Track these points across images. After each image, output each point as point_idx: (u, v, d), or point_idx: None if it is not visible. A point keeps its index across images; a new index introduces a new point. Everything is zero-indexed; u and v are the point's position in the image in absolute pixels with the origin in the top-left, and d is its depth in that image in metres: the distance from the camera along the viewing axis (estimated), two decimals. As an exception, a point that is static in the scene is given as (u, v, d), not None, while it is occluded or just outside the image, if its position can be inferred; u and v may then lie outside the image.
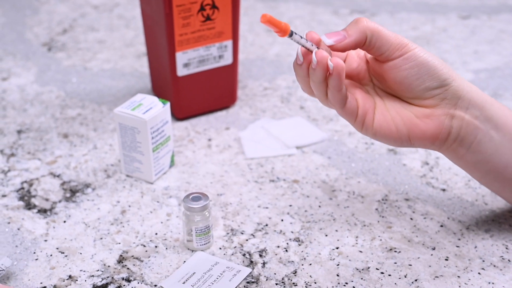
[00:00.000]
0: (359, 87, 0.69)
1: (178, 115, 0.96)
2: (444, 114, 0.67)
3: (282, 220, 0.78)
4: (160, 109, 0.82)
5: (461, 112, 0.68)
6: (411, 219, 0.78)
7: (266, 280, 0.70)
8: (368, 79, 0.70)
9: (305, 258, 0.72)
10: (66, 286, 0.69)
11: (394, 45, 0.66)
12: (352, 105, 0.66)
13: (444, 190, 0.82)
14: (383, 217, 0.78)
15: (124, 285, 0.69)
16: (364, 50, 0.67)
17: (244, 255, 0.73)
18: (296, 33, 0.63)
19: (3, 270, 0.69)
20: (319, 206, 0.80)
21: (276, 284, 0.69)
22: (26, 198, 0.82)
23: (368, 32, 0.65)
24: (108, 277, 0.70)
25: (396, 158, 0.88)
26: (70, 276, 0.70)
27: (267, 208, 0.80)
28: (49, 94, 1.04)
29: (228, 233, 0.76)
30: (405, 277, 0.69)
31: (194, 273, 0.70)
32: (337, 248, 0.74)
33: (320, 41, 0.65)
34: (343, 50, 0.65)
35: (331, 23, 1.27)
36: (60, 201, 0.81)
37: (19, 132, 0.95)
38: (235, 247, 0.74)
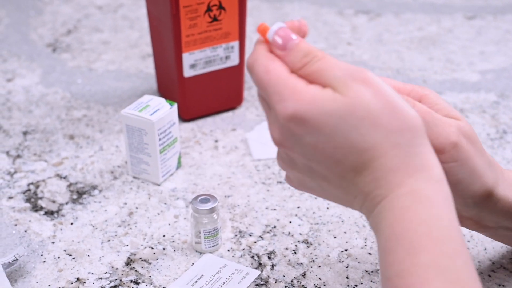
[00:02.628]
0: None
1: (185, 116, 0.96)
2: None
3: (290, 222, 0.77)
4: (167, 110, 0.81)
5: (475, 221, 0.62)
6: (420, 221, 0.77)
7: (275, 282, 0.69)
8: None
9: (314, 260, 0.72)
10: (74, 289, 0.69)
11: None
12: None
13: (452, 191, 0.82)
14: (391, 219, 0.77)
15: (132, 287, 0.69)
16: None
17: (252, 257, 0.73)
18: None
19: (17, 260, 0.69)
20: (327, 208, 0.80)
21: (285, 286, 0.69)
22: (32, 200, 0.82)
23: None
24: (116, 279, 0.70)
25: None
26: (78, 279, 0.70)
27: (275, 210, 0.79)
28: (54, 95, 1.04)
29: (236, 235, 0.76)
30: (415, 279, 0.69)
31: (202, 275, 0.70)
32: (346, 250, 0.73)
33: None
34: None
35: (336, 24, 1.26)
36: (67, 203, 0.81)
37: (24, 133, 0.95)
38: (244, 249, 0.74)
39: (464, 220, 0.62)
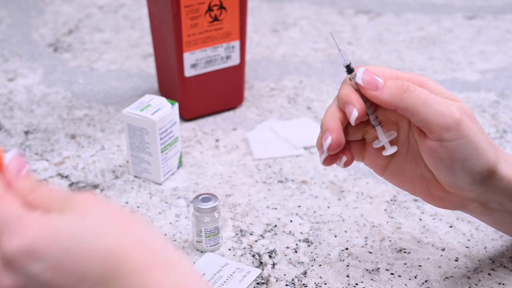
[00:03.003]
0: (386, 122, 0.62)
1: (186, 115, 0.96)
2: (460, 202, 0.63)
3: (291, 221, 0.78)
4: (168, 110, 0.82)
5: (479, 202, 0.63)
6: (420, 219, 0.77)
7: (276, 281, 0.70)
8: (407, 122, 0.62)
9: (314, 259, 0.72)
10: None
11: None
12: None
13: (452, 190, 0.82)
14: (392, 217, 0.78)
15: (134, 286, 0.69)
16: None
17: (253, 256, 0.73)
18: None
19: None
20: (328, 207, 0.80)
21: (286, 285, 0.69)
22: (34, 199, 0.82)
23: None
24: (117, 278, 0.70)
25: (404, 158, 0.88)
26: (79, 277, 0.70)
27: (275, 209, 0.80)
28: (56, 95, 1.04)
29: (237, 234, 0.76)
30: (415, 278, 0.69)
31: (203, 274, 0.70)
32: (347, 249, 0.74)
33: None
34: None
35: (337, 23, 1.27)
36: (68, 202, 0.81)
37: (26, 133, 0.95)
38: (245, 248, 0.74)
39: (471, 203, 0.62)
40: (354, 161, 0.64)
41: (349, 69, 0.60)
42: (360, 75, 0.58)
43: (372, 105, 0.60)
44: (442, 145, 0.57)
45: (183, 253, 0.45)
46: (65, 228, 0.45)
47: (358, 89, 0.59)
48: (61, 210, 0.47)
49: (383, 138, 0.61)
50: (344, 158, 0.62)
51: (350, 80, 0.60)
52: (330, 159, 0.62)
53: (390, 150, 0.61)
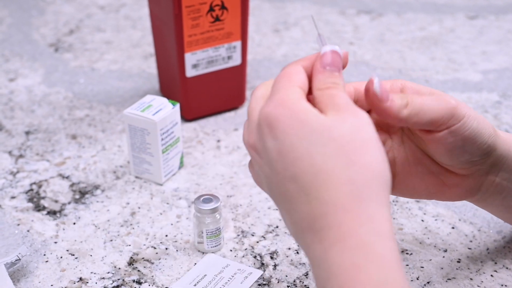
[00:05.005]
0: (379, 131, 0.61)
1: (187, 116, 0.96)
2: (475, 183, 0.62)
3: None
4: (169, 110, 0.81)
5: (492, 176, 0.62)
6: (422, 220, 0.77)
7: (278, 282, 0.69)
8: (398, 127, 0.62)
9: (316, 260, 0.72)
10: (77, 289, 0.69)
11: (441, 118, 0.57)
12: None
13: (455, 191, 0.82)
14: (394, 218, 0.78)
15: (135, 287, 0.69)
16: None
17: (255, 257, 0.73)
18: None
19: (19, 259, 0.69)
20: (330, 208, 0.80)
21: (288, 286, 0.69)
22: (35, 199, 0.82)
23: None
24: (118, 279, 0.70)
25: (406, 159, 0.88)
26: (80, 278, 0.70)
27: (277, 210, 0.80)
28: (57, 95, 1.04)
29: (238, 235, 0.76)
30: (417, 279, 0.69)
31: (205, 275, 0.70)
32: (349, 250, 0.73)
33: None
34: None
35: (338, 23, 1.27)
36: (69, 203, 0.81)
37: (27, 133, 0.95)
38: (246, 249, 0.74)
39: (484, 181, 0.62)
40: None
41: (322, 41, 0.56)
42: (377, 85, 0.55)
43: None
44: (450, 131, 0.58)
45: (385, 211, 0.45)
46: (311, 125, 0.48)
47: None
48: (333, 114, 0.49)
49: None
50: None
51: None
52: None
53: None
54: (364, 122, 0.49)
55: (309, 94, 0.54)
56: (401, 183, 0.62)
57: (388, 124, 0.61)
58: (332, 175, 0.47)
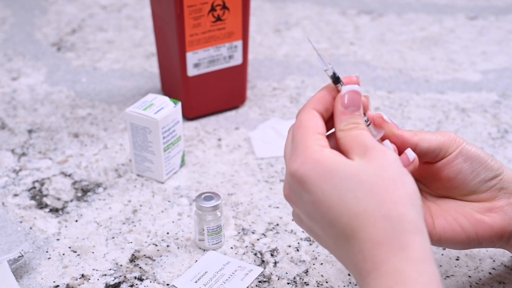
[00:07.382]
0: None
1: (188, 115, 0.97)
2: (507, 205, 0.63)
3: (292, 220, 0.78)
4: (171, 109, 0.82)
5: None
6: (422, 219, 0.78)
7: (278, 279, 0.70)
8: None
9: (316, 258, 0.73)
10: (79, 285, 0.70)
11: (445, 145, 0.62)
12: None
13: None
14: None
15: (136, 284, 0.70)
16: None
17: (255, 254, 0.73)
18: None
19: (22, 256, 0.70)
20: (330, 206, 0.80)
21: (288, 283, 0.69)
22: (37, 197, 0.82)
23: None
24: (120, 276, 0.71)
25: (405, 158, 0.89)
26: (82, 275, 0.71)
27: (277, 207, 0.80)
28: (59, 94, 1.05)
29: (239, 233, 0.76)
30: (416, 276, 0.70)
31: (206, 272, 0.71)
32: (348, 247, 0.74)
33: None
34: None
35: (339, 24, 1.27)
36: (71, 201, 0.82)
37: (29, 131, 0.96)
38: (247, 246, 0.74)
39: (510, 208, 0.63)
40: None
41: (336, 78, 0.57)
42: (386, 119, 0.59)
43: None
44: (460, 152, 0.62)
45: (419, 239, 0.50)
46: (340, 172, 0.51)
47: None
48: (359, 156, 0.53)
49: (375, 134, 0.60)
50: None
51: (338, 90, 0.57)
52: None
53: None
54: (390, 160, 0.52)
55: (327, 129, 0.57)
56: (444, 223, 0.63)
57: None
58: (365, 216, 0.51)
